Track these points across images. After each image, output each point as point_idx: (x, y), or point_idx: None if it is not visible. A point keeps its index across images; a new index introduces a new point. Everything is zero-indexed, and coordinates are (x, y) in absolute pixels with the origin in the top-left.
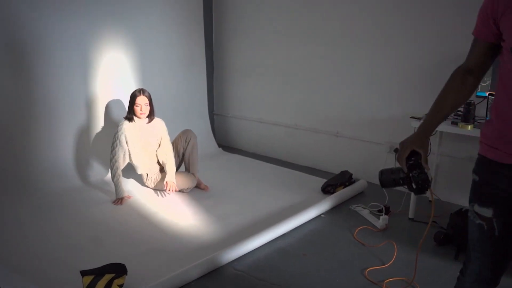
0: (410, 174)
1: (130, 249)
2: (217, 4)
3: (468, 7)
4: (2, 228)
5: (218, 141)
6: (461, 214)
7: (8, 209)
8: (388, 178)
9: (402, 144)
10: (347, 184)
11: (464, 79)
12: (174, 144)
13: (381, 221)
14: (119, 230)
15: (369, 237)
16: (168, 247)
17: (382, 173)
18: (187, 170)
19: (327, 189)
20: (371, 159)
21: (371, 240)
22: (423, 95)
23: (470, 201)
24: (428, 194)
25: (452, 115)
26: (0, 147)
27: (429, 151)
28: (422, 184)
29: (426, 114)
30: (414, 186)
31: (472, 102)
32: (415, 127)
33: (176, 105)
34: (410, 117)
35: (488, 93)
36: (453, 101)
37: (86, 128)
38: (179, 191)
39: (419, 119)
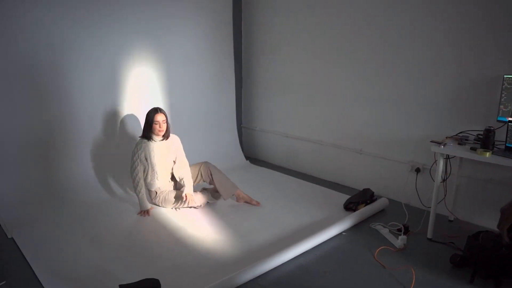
0: None
1: (160, 263)
2: (246, 20)
3: (490, 32)
4: (44, 235)
5: (245, 153)
6: (478, 237)
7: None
8: (488, 243)
9: (502, 212)
10: (368, 202)
11: None
12: (196, 178)
13: (399, 241)
14: (148, 243)
15: (388, 258)
16: (194, 263)
17: (483, 237)
18: (222, 194)
19: (349, 206)
20: (393, 177)
21: (390, 261)
22: (442, 120)
23: None
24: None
25: (472, 141)
26: (35, 162)
27: None
28: None
29: None
30: None
31: (492, 128)
32: (435, 152)
33: (206, 118)
34: (430, 141)
35: (509, 118)
36: None
37: (116, 143)
38: (192, 207)
39: (439, 143)
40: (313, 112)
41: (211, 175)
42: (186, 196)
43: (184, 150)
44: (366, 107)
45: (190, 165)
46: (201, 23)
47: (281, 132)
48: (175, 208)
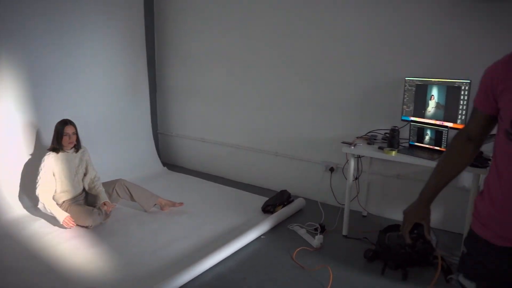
0: (415, 245)
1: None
2: (159, 27)
3: (392, 38)
4: None
5: (163, 160)
6: (386, 232)
7: None
8: (394, 243)
9: (405, 215)
10: (285, 203)
11: (466, 147)
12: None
13: (316, 241)
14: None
15: (307, 258)
16: (110, 280)
17: (389, 237)
18: (144, 207)
19: (267, 209)
20: (309, 177)
21: (308, 261)
22: (353, 121)
23: (458, 270)
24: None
25: (380, 140)
26: None
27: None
28: (425, 253)
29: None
30: (418, 253)
31: (396, 128)
32: (346, 153)
33: (120, 126)
34: (342, 142)
35: (411, 118)
36: (454, 169)
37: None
38: (83, 226)
39: (349, 144)
40: (229, 116)
41: (128, 191)
42: (104, 204)
43: (98, 161)
44: (281, 110)
45: (103, 182)
46: (112, 30)
47: (198, 137)
48: (100, 223)
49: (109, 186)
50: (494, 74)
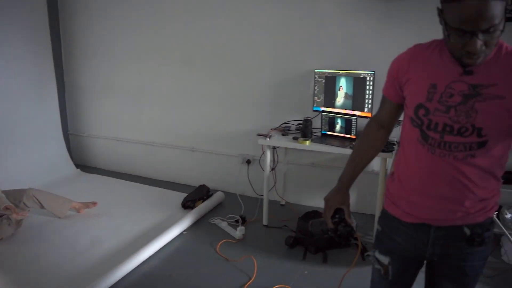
0: (337, 229)
1: None
2: (64, 24)
3: (302, 31)
4: None
5: (75, 161)
6: (305, 218)
7: None
8: (317, 229)
9: (326, 201)
10: (205, 198)
11: (378, 133)
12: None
13: (238, 232)
14: None
15: (230, 250)
16: None
17: (311, 224)
18: (58, 214)
19: (187, 204)
20: (226, 171)
21: (232, 253)
22: (267, 113)
23: (373, 247)
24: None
25: (294, 130)
26: None
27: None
28: (347, 236)
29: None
30: (341, 237)
31: (309, 118)
32: (262, 144)
33: (29, 128)
34: (257, 134)
35: (322, 108)
36: (369, 155)
37: None
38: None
39: (265, 136)
40: (143, 113)
41: (38, 201)
42: (7, 209)
43: (4, 167)
44: (195, 105)
45: (8, 190)
46: (13, 29)
47: (111, 137)
48: (12, 234)
49: (16, 196)
50: (399, 66)
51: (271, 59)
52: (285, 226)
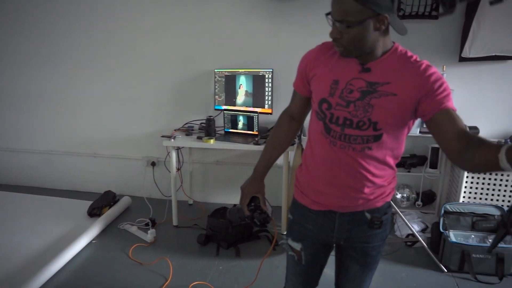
0: (253, 216)
1: None
2: None
3: (202, 30)
4: None
5: None
6: (215, 215)
7: None
8: (235, 217)
9: (242, 190)
10: (112, 204)
11: (289, 125)
12: None
13: (149, 235)
14: None
15: (143, 254)
16: None
17: (229, 212)
18: None
19: (94, 212)
20: (131, 175)
21: (145, 256)
22: (170, 114)
23: (286, 235)
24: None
25: (198, 130)
26: None
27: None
28: (263, 222)
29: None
30: (257, 223)
31: (211, 117)
32: (167, 146)
33: None
34: (161, 136)
35: (224, 106)
36: (282, 145)
37: None
38: None
39: (169, 137)
40: (38, 121)
41: None
42: None
43: None
44: (95, 110)
45: None
46: None
47: (3, 148)
48: None
49: None
50: (307, 61)
51: (171, 60)
52: (195, 225)
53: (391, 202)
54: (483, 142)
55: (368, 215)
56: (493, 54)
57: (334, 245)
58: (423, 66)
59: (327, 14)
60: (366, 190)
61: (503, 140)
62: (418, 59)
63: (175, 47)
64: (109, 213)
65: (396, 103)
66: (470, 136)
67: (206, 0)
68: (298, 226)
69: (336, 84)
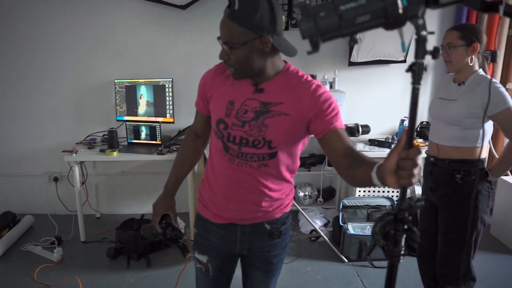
0: (165, 232)
1: None
2: None
3: (101, 41)
4: None
5: None
6: (123, 228)
7: None
8: (148, 234)
9: (153, 208)
10: (11, 225)
11: (194, 143)
12: None
13: (55, 254)
14: None
15: (51, 275)
16: None
17: (143, 229)
18: None
19: None
20: (32, 192)
21: (53, 278)
22: (70, 127)
23: (193, 248)
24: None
25: (100, 142)
26: None
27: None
28: (175, 238)
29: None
30: (170, 240)
31: (114, 129)
32: (69, 161)
33: None
34: (62, 151)
35: (126, 117)
36: (189, 162)
37: None
38: None
39: (70, 151)
40: None
41: None
42: None
43: None
44: None
45: None
46: None
47: None
48: None
49: None
50: (205, 81)
51: (69, 71)
52: (104, 238)
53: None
54: (363, 161)
55: (267, 226)
56: (378, 59)
57: (239, 255)
58: (313, 86)
59: (218, 38)
60: (264, 203)
61: (390, 136)
62: (309, 79)
63: (72, 58)
64: (10, 235)
65: (289, 123)
66: (355, 154)
67: (102, 9)
68: (203, 239)
69: (232, 105)
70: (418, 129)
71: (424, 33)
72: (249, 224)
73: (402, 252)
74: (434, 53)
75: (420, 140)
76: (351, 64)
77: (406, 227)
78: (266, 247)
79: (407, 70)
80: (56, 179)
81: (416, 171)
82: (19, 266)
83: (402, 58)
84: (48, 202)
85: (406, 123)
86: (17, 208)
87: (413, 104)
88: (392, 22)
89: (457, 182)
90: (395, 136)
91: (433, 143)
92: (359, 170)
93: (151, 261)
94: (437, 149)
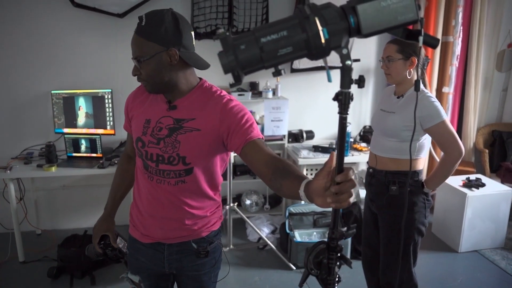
0: (105, 253)
1: None
2: None
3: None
4: None
5: None
6: (65, 245)
7: None
8: (92, 254)
9: (93, 230)
10: None
11: (128, 164)
12: None
13: None
14: None
15: None
16: None
17: (87, 249)
18: None
19: None
20: None
21: None
22: (5, 143)
23: (127, 268)
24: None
25: (38, 156)
26: None
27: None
28: (116, 258)
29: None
30: (112, 259)
31: (51, 142)
32: (3, 179)
33: None
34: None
35: (64, 130)
36: (122, 186)
37: None
38: None
39: (5, 168)
40: None
41: None
42: None
43: None
44: None
45: None
46: None
47: None
48: None
49: None
50: (127, 103)
51: (3, 81)
52: (45, 257)
53: (236, 208)
54: (288, 173)
55: (194, 245)
56: (320, 65)
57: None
58: (225, 100)
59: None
60: (188, 221)
61: (334, 142)
62: (222, 94)
63: (6, 67)
64: None
65: (201, 138)
66: (277, 162)
67: (37, 17)
68: (134, 259)
69: (148, 123)
70: (362, 133)
71: (348, 62)
72: (176, 243)
73: (337, 280)
74: (360, 82)
75: (364, 144)
76: (294, 70)
77: (339, 255)
78: (195, 266)
79: (334, 99)
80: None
81: (354, 190)
82: None
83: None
84: None
85: (348, 129)
86: None
87: (341, 133)
88: (315, 53)
89: (392, 193)
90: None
91: (372, 154)
92: (285, 183)
93: (95, 279)
94: (376, 160)
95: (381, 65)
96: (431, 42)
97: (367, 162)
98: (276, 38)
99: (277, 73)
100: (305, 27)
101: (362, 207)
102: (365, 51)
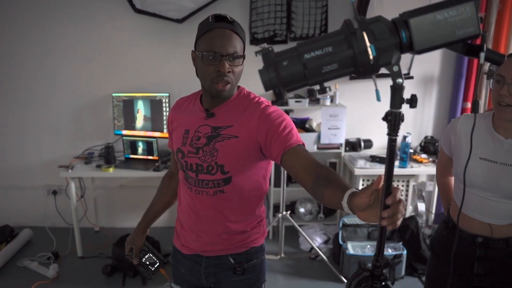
0: (140, 270)
1: None
2: None
3: (97, 54)
4: None
5: None
6: (120, 244)
7: None
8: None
9: (126, 240)
10: (9, 239)
11: (170, 182)
12: None
13: (51, 271)
14: None
15: None
16: None
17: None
18: None
19: None
20: (31, 205)
21: None
22: (67, 140)
23: (171, 278)
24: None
25: (98, 157)
26: None
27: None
28: (141, 273)
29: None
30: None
31: (110, 144)
32: (66, 177)
33: None
34: (59, 166)
35: (123, 131)
36: (161, 206)
37: None
38: None
39: (67, 167)
40: None
41: None
42: None
43: None
44: None
45: None
46: None
47: None
48: None
49: None
50: (169, 118)
51: (67, 84)
52: (101, 254)
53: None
54: (330, 181)
55: (231, 260)
56: (380, 73)
57: None
58: (263, 105)
59: (209, 50)
60: (224, 235)
61: None
62: (260, 100)
63: (69, 72)
64: (7, 250)
65: (239, 145)
66: (318, 169)
67: (99, 23)
68: (176, 270)
69: (187, 134)
70: (422, 144)
71: (399, 80)
72: (215, 256)
73: None
74: (412, 102)
75: (424, 156)
76: (352, 78)
77: (383, 283)
78: (231, 282)
79: (383, 119)
80: (55, 192)
81: (403, 209)
82: (14, 283)
83: (405, 71)
84: (48, 214)
85: (408, 139)
86: (15, 221)
87: (390, 155)
88: (362, 71)
89: None
90: (398, 152)
91: (478, 221)
92: (327, 193)
93: (146, 279)
94: (490, 229)
95: (494, 87)
96: (495, 59)
97: (462, 228)
98: (320, 54)
99: (322, 91)
100: (352, 43)
101: (420, 220)
102: (428, 56)
